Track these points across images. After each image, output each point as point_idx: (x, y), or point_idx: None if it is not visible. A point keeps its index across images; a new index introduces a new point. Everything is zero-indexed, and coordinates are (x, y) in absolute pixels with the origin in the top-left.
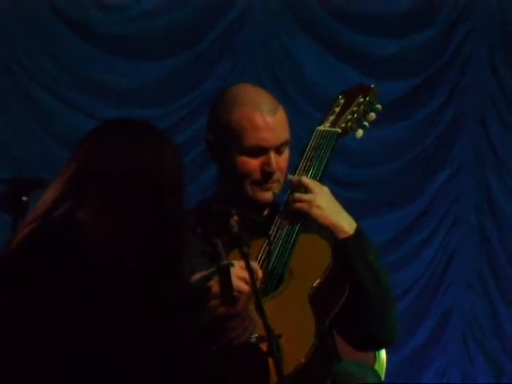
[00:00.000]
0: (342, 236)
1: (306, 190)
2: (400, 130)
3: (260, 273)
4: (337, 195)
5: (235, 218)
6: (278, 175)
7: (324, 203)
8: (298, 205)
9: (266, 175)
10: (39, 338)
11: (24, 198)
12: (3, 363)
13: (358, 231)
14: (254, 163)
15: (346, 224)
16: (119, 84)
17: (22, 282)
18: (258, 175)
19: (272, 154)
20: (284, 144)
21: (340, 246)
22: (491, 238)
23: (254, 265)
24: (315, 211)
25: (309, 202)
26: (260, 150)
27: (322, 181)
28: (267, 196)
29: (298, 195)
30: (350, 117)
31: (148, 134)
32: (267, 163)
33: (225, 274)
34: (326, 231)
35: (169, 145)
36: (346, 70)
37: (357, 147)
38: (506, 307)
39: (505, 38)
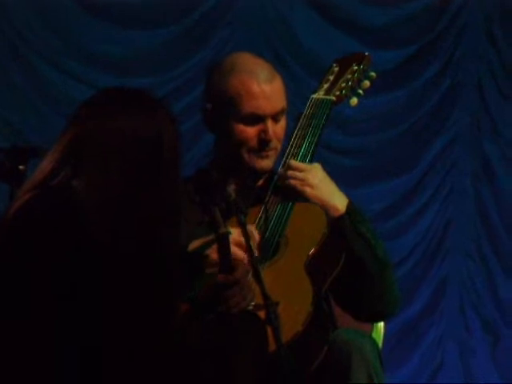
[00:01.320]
0: (334, 214)
1: (297, 170)
2: (396, 98)
3: (257, 237)
4: (333, 163)
5: (232, 185)
6: (274, 143)
7: (316, 181)
8: (291, 182)
9: (263, 143)
10: (32, 306)
11: (21, 167)
12: None
13: (349, 207)
14: (250, 131)
15: (337, 202)
16: (116, 53)
17: (17, 251)
18: (254, 143)
19: (269, 122)
20: (281, 112)
21: (333, 224)
22: (488, 206)
23: (252, 228)
24: (307, 190)
25: (301, 180)
26: (256, 118)
27: (316, 149)
28: (264, 164)
29: (290, 173)
30: (344, 85)
31: (145, 103)
32: (264, 131)
33: (223, 242)
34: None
35: (166, 114)
36: (343, 38)
37: (354, 115)
38: (503, 274)
39: (501, 6)
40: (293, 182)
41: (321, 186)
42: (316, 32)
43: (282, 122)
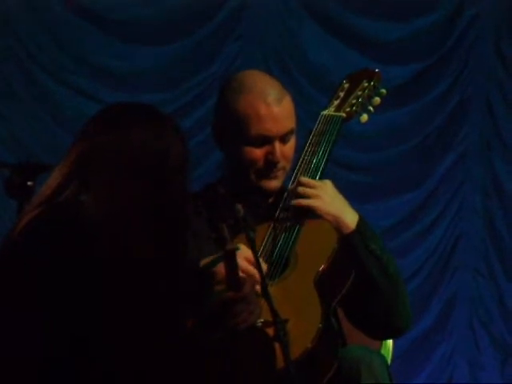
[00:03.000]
0: (345, 231)
1: (308, 187)
2: (405, 114)
3: (264, 267)
4: (342, 179)
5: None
6: (282, 164)
7: (327, 198)
8: (301, 200)
9: (271, 164)
10: (39, 321)
11: (29, 183)
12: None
13: (360, 224)
14: (258, 152)
15: (348, 219)
16: (125, 69)
17: (25, 267)
18: (261, 164)
19: (276, 144)
20: (289, 133)
21: (343, 241)
22: (497, 222)
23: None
24: (318, 206)
25: (312, 197)
26: (264, 140)
27: (326, 166)
28: (272, 184)
29: (301, 190)
30: (354, 101)
31: (153, 119)
32: (271, 153)
33: (231, 259)
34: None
35: (174, 129)
36: (352, 54)
37: (363, 131)
38: None
39: (510, 22)
40: (303, 200)
41: (331, 202)
42: (325, 47)
43: (291, 142)
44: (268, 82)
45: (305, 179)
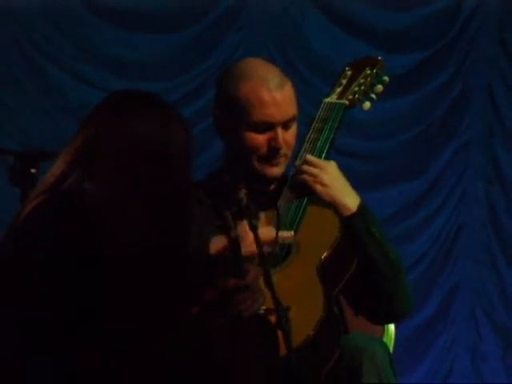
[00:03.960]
0: (345, 213)
1: (312, 166)
2: (408, 103)
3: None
4: (345, 167)
5: (244, 190)
6: (284, 150)
7: (329, 180)
8: (304, 177)
9: (273, 151)
10: (44, 305)
11: (33, 171)
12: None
13: (361, 207)
14: (260, 139)
15: (349, 201)
16: (128, 58)
17: (29, 255)
18: (264, 151)
19: (279, 130)
20: (291, 119)
21: (344, 223)
22: (499, 211)
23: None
24: (319, 188)
25: (314, 177)
26: (267, 126)
27: (329, 152)
28: (275, 171)
29: (304, 167)
30: (357, 89)
31: (155, 107)
32: (274, 139)
33: (234, 246)
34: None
35: (176, 117)
36: (355, 43)
37: (365, 119)
38: None
39: None
40: (306, 177)
41: (333, 183)
42: (326, 36)
43: (293, 129)
44: (269, 69)
45: (310, 157)
